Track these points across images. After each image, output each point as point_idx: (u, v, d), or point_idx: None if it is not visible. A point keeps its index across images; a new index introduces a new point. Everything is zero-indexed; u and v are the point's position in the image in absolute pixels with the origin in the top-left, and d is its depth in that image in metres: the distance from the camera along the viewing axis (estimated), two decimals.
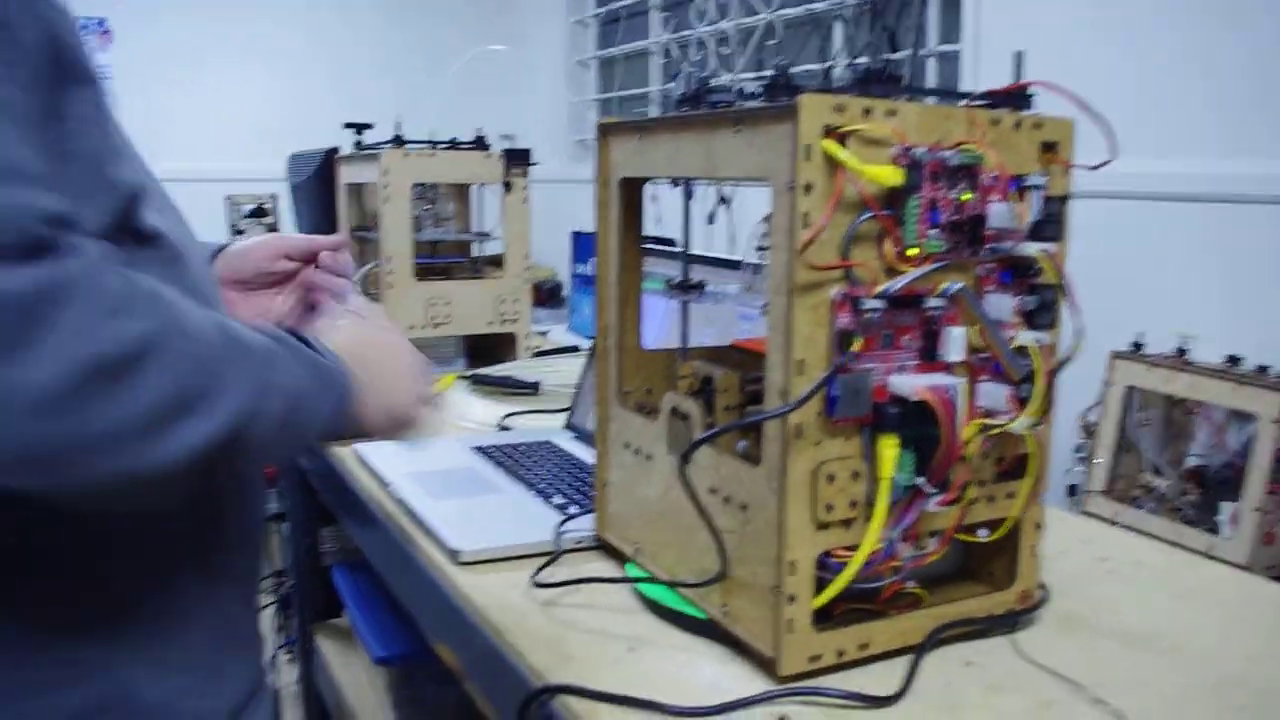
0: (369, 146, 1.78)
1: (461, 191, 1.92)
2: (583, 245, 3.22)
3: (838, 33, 2.68)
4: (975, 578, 0.85)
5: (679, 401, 0.83)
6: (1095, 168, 0.74)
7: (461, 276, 1.86)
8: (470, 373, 1.64)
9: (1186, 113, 1.69)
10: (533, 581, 0.88)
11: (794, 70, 0.74)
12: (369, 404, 0.75)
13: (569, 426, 1.41)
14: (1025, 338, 0.74)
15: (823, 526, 0.71)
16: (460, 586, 0.91)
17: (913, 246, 0.70)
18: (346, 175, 1.87)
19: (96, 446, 0.56)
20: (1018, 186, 0.73)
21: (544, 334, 2.26)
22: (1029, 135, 0.75)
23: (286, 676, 1.91)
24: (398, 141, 1.70)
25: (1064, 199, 0.76)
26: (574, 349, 2.08)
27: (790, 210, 0.67)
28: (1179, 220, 1.71)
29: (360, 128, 1.84)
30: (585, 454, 1.27)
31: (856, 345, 0.68)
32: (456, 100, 2.97)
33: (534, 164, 1.74)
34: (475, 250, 1.94)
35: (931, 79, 2.38)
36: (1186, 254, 1.70)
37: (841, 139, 0.67)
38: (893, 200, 0.69)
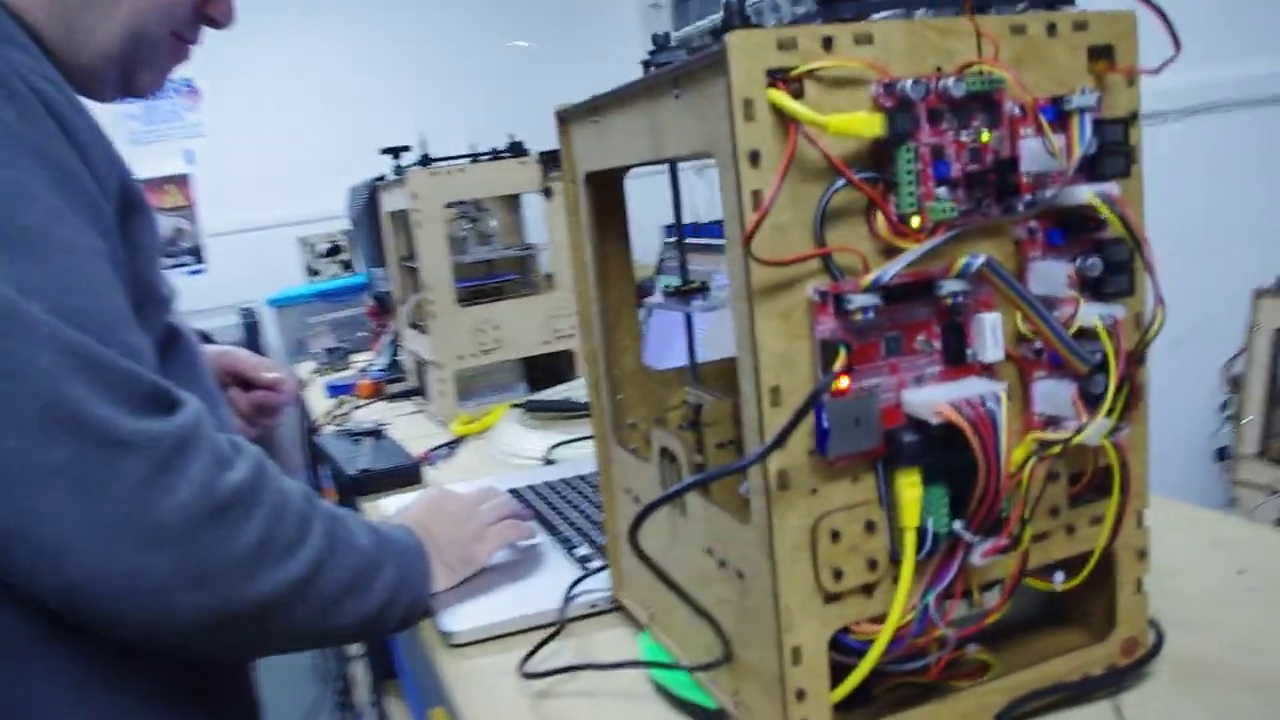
0: (403, 170, 1.67)
1: (511, 203, 1.80)
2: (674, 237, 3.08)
3: None
4: (1065, 622, 0.65)
5: (663, 438, 0.67)
6: (1158, 70, 0.54)
7: (518, 295, 1.73)
8: (524, 399, 1.51)
9: None
10: (520, 671, 0.73)
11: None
12: (438, 558, 0.84)
13: None
14: (1090, 315, 0.55)
15: (833, 598, 0.54)
16: (447, 674, 0.77)
17: (913, 214, 0.52)
18: (388, 203, 1.77)
19: (200, 578, 0.63)
20: (1056, 113, 0.54)
21: None
22: (1069, 42, 0.56)
23: None
24: (424, 161, 1.58)
25: (1128, 120, 0.56)
26: None
27: (735, 190, 0.50)
28: None
29: (397, 151, 1.74)
30: None
31: (840, 360, 0.50)
32: (529, 107, 2.86)
33: None
34: (535, 264, 1.80)
35: None
36: None
37: (796, 85, 0.50)
38: (880, 157, 0.51)
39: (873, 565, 0.54)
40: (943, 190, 0.52)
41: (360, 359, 2.22)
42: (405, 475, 1.28)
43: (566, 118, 0.76)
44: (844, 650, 0.55)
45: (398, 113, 3.35)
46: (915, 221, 0.52)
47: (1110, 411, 0.54)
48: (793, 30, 0.50)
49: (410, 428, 1.56)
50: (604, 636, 0.79)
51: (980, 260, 0.52)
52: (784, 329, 0.51)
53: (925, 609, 0.54)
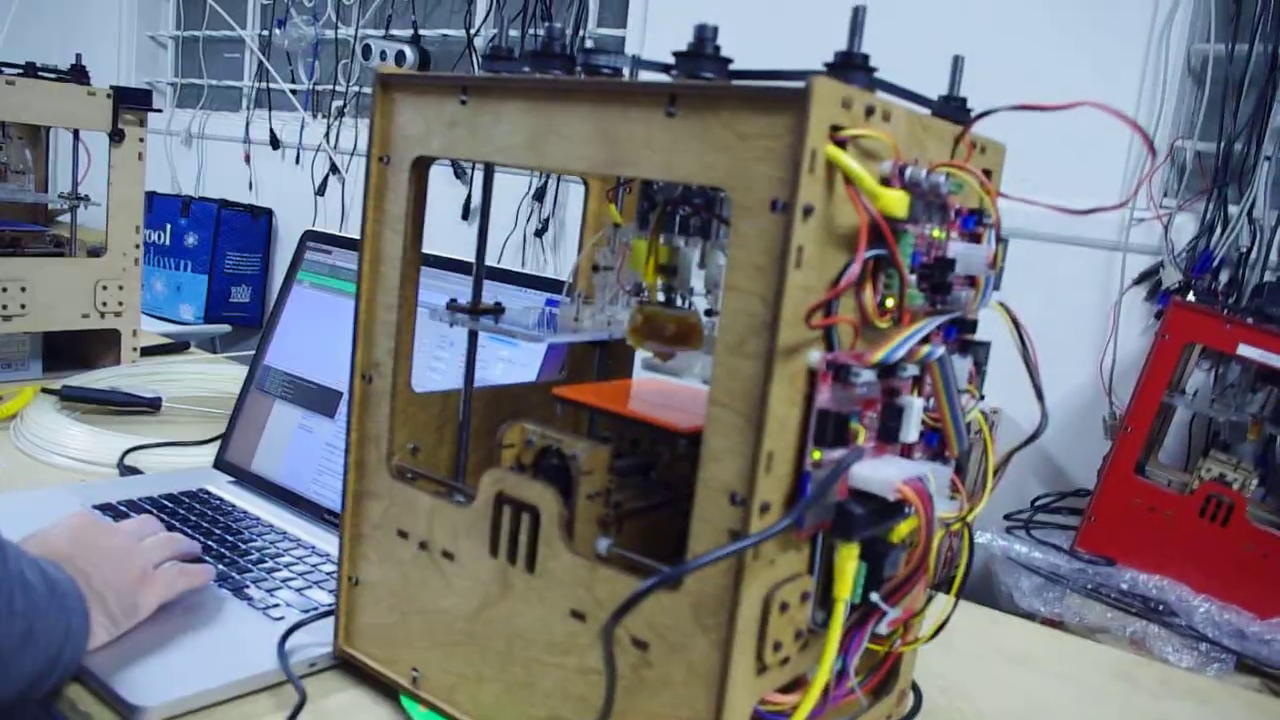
0: None
1: (37, 137, 1.45)
2: (157, 209, 2.85)
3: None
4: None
5: (513, 484, 0.59)
6: (1086, 212, 0.61)
7: (35, 251, 1.40)
8: (59, 384, 1.21)
9: None
10: None
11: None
12: (97, 606, 0.66)
13: (221, 466, 1.07)
14: (973, 409, 0.60)
15: (763, 670, 0.52)
16: None
17: (890, 296, 0.53)
18: None
19: None
20: (974, 224, 0.59)
21: None
22: (975, 161, 0.61)
23: None
24: None
25: (1005, 240, 0.63)
26: (184, 346, 1.67)
27: (780, 241, 0.47)
28: None
29: None
30: (260, 509, 0.96)
31: (862, 436, 0.49)
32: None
33: (156, 109, 1.34)
34: (70, 219, 1.47)
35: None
36: None
37: (843, 146, 0.48)
38: (881, 237, 0.51)
39: (798, 636, 0.53)
40: (913, 278, 0.54)
41: None
42: None
43: (392, 84, 0.64)
44: None
45: None
46: (891, 303, 0.53)
47: (982, 497, 0.60)
48: (852, 89, 0.48)
49: None
50: (340, 701, 0.66)
51: (941, 350, 0.54)
52: (787, 394, 0.48)
53: (842, 672, 0.54)
